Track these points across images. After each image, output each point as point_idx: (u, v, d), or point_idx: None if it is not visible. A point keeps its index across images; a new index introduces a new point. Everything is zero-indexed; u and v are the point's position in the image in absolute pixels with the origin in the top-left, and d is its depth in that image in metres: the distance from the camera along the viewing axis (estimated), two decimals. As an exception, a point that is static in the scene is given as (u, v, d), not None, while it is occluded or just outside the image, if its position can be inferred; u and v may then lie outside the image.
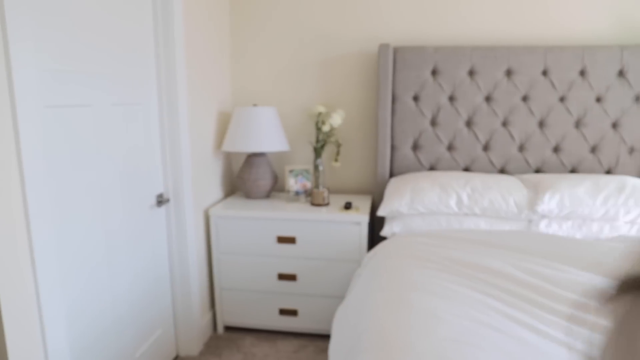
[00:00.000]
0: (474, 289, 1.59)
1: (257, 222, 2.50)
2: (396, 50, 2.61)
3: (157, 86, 2.18)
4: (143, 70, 2.07)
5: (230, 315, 2.66)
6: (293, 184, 2.70)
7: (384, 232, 2.37)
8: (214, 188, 2.72)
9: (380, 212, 2.34)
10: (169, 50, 2.17)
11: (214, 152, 2.71)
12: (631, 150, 2.61)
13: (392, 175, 2.72)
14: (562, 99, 2.59)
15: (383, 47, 2.55)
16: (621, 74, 2.54)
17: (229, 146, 2.62)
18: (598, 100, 2.58)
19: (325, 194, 2.58)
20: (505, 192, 2.28)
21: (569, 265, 1.80)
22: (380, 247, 2.13)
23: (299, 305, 2.58)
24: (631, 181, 2.35)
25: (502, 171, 2.67)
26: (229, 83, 2.93)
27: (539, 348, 1.29)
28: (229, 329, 2.73)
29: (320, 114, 2.68)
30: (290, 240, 2.49)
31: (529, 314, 1.44)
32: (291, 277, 2.54)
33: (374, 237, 2.75)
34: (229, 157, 2.95)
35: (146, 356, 2.16)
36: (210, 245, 2.62)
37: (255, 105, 2.69)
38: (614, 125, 2.59)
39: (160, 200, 2.21)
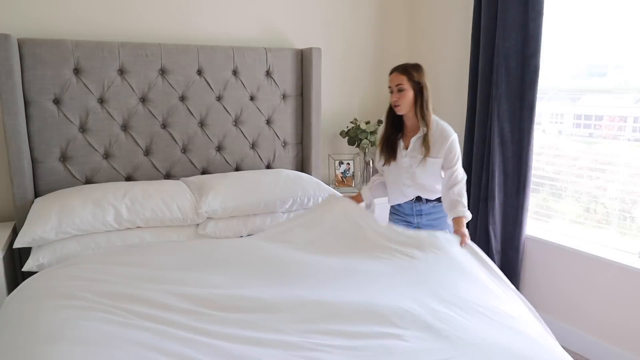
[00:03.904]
0: (126, 326, 1.39)
1: None
2: (23, 43, 2.14)
3: None
4: None
5: None
6: None
7: (27, 267, 1.92)
8: None
9: (18, 244, 1.89)
10: None
11: None
12: (284, 144, 2.84)
13: (39, 194, 2.25)
14: (219, 98, 2.61)
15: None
16: (268, 74, 2.73)
17: None
18: (252, 98, 2.71)
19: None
20: (168, 199, 2.15)
21: (227, 276, 1.74)
22: (19, 288, 1.71)
23: None
24: (285, 173, 2.55)
25: (168, 176, 2.53)
26: None
27: None
28: None
29: None
30: None
31: (180, 342, 1.32)
32: None
33: (22, 274, 2.24)
34: None
35: None
36: None
37: None
38: (268, 122, 2.78)
39: None
